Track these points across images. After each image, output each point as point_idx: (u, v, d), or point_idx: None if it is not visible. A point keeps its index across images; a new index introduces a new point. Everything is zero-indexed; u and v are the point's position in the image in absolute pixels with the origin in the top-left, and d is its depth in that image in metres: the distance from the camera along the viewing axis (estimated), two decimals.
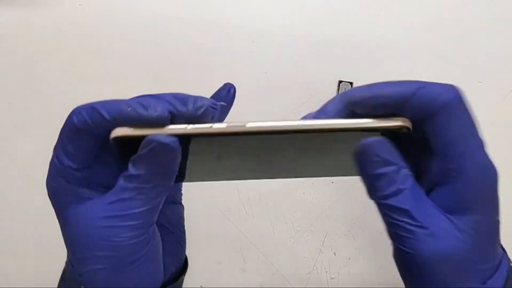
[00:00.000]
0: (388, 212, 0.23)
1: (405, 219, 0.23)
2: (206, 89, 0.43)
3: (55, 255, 0.42)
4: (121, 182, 0.24)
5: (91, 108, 0.24)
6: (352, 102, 0.23)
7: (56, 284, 0.38)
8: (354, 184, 0.42)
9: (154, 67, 0.43)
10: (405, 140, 0.24)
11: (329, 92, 0.42)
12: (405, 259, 0.24)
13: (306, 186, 0.42)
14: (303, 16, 0.43)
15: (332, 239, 0.41)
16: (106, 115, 0.23)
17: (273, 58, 0.43)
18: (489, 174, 0.24)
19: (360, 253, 0.41)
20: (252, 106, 0.43)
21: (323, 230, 0.41)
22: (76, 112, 0.24)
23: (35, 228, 0.42)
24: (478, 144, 0.23)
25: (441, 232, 0.23)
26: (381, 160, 0.22)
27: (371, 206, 0.38)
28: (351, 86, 0.41)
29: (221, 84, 0.45)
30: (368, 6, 0.43)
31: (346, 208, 0.42)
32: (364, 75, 0.42)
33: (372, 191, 0.24)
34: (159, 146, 0.22)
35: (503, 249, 0.26)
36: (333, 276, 0.41)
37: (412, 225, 0.23)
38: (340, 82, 0.42)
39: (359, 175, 0.25)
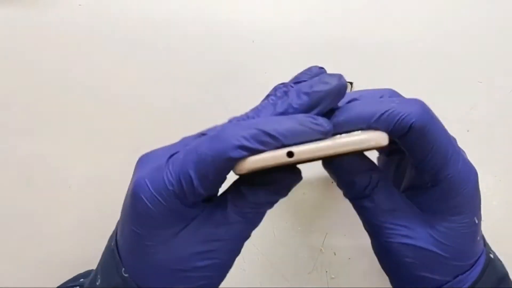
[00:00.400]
0: (364, 212, 0.26)
1: (379, 218, 0.25)
2: (205, 90, 0.43)
3: (55, 255, 0.42)
4: (229, 205, 0.23)
5: (259, 132, 0.22)
6: (333, 124, 0.25)
7: (56, 284, 0.38)
8: None
9: (154, 67, 0.43)
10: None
11: None
12: (382, 251, 0.27)
13: (306, 186, 0.42)
14: (303, 16, 0.43)
15: (332, 239, 0.41)
16: (281, 137, 0.22)
17: (273, 58, 0.43)
18: (465, 180, 0.25)
19: (360, 253, 0.41)
20: (252, 106, 0.43)
21: (323, 230, 0.41)
22: (239, 140, 0.22)
23: (35, 228, 0.42)
24: (450, 155, 0.25)
25: (414, 228, 0.25)
26: (354, 169, 0.25)
27: None
28: (351, 86, 0.41)
29: (221, 85, 0.45)
30: (368, 5, 0.43)
31: (346, 208, 0.41)
32: (364, 75, 0.42)
33: (348, 194, 0.27)
34: (296, 180, 0.24)
35: (485, 244, 0.29)
36: (333, 276, 0.41)
37: (386, 222, 0.25)
38: None
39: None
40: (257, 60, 0.43)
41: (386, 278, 0.37)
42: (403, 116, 0.23)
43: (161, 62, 0.43)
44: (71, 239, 0.42)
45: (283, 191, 0.24)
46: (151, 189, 0.23)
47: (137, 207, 0.23)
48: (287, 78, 0.44)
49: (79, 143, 0.42)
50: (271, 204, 0.24)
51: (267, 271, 0.41)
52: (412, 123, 0.23)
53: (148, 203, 0.22)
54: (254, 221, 0.24)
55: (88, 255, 0.41)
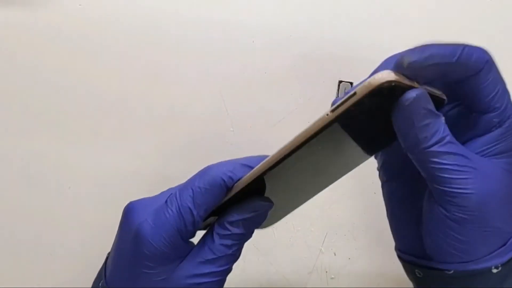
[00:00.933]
0: (436, 159, 0.24)
1: (456, 162, 0.24)
2: (205, 90, 0.43)
3: (55, 255, 0.42)
4: (216, 239, 0.26)
5: (242, 166, 0.25)
6: (406, 65, 0.24)
7: (55, 284, 0.38)
8: (355, 184, 0.42)
9: (154, 67, 0.43)
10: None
11: (329, 92, 0.42)
12: (452, 202, 0.24)
13: None
14: (303, 16, 0.43)
15: (332, 239, 0.41)
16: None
17: (273, 58, 0.43)
18: None
19: (360, 253, 0.41)
20: (252, 106, 0.43)
21: (323, 230, 0.41)
22: (225, 171, 0.25)
23: (35, 228, 0.42)
24: (509, 96, 0.26)
25: (486, 171, 0.25)
26: (427, 112, 0.23)
27: (372, 206, 0.38)
28: (351, 86, 0.41)
29: (221, 85, 0.45)
30: (367, 6, 0.43)
31: (346, 208, 0.42)
32: (364, 76, 0.42)
33: (418, 143, 0.24)
34: (268, 209, 0.26)
35: None
36: (333, 276, 0.41)
37: (463, 166, 0.24)
38: (340, 82, 0.42)
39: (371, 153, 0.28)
40: (257, 60, 0.43)
41: (386, 278, 0.37)
42: (479, 52, 0.25)
43: (161, 62, 0.43)
44: (71, 239, 0.42)
45: (260, 219, 0.26)
46: (156, 229, 0.25)
47: (143, 249, 0.25)
48: (287, 78, 0.44)
49: (79, 143, 0.42)
50: (250, 234, 0.26)
51: (267, 271, 0.41)
52: (487, 59, 0.25)
53: (154, 244, 0.25)
54: (236, 254, 0.26)
55: (88, 255, 0.41)
